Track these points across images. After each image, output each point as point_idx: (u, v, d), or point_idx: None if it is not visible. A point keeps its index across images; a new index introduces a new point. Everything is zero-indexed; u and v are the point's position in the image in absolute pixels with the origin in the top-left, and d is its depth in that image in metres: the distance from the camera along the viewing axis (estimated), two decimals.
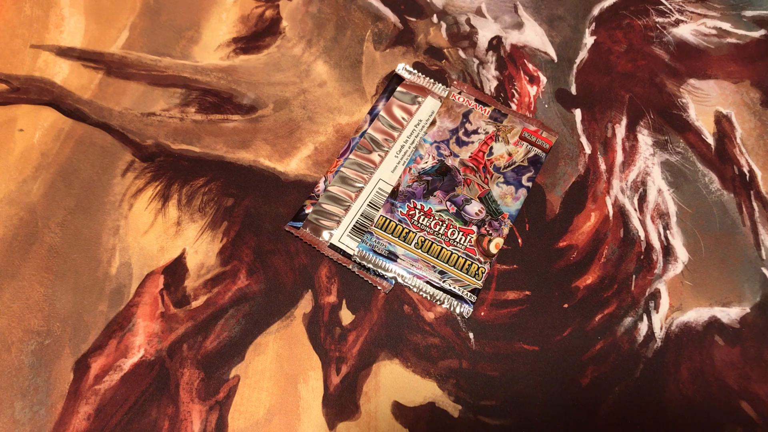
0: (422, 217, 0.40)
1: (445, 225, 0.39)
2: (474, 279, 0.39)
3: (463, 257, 0.39)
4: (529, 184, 0.41)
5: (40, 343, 0.38)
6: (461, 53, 0.46)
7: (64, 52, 0.46)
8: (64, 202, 0.41)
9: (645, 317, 0.39)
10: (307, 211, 0.41)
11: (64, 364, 0.37)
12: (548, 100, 0.44)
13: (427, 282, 0.39)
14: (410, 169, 0.41)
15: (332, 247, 0.40)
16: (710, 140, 0.43)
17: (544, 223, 0.41)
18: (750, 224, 0.41)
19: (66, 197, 0.41)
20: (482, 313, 0.39)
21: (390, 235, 0.39)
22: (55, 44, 0.46)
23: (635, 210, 0.41)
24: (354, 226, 0.40)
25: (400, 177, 0.41)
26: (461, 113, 0.42)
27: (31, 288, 0.39)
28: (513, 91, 0.45)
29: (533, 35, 0.47)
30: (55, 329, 0.38)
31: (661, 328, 0.38)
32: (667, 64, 0.45)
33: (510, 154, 0.41)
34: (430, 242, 0.39)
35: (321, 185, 0.41)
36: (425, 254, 0.39)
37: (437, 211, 0.40)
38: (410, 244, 0.39)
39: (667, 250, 0.40)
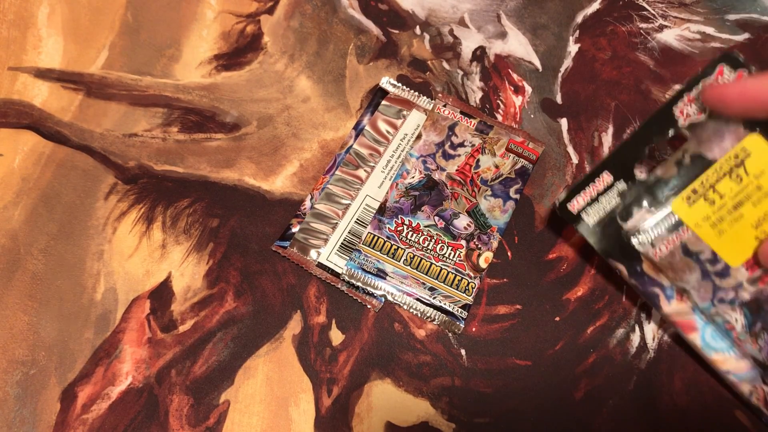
0: (410, 233, 0.39)
1: (433, 240, 0.39)
2: (464, 294, 0.38)
3: (452, 273, 0.39)
4: (517, 196, 0.41)
5: (25, 373, 0.37)
6: (445, 65, 0.46)
7: (43, 74, 0.45)
8: (46, 228, 0.40)
9: (637, 328, 0.38)
10: (293, 230, 0.40)
11: (50, 394, 0.37)
12: (534, 110, 0.44)
13: (417, 299, 0.38)
14: (397, 184, 0.40)
15: (320, 266, 0.39)
16: None
17: (534, 236, 0.41)
18: None
19: (48, 222, 0.41)
20: (474, 329, 0.38)
21: (378, 252, 0.39)
22: (33, 66, 0.45)
23: None
24: (342, 243, 0.40)
25: (387, 192, 0.40)
26: (447, 126, 0.42)
27: (15, 317, 0.38)
28: (498, 101, 0.44)
29: (517, 44, 0.46)
30: (40, 358, 0.37)
31: (653, 339, 0.38)
32: (652, 71, 0.45)
33: (497, 167, 0.41)
34: (419, 258, 0.39)
35: (307, 203, 0.41)
36: (414, 271, 0.39)
37: (425, 227, 0.39)
38: (399, 261, 0.39)
39: None
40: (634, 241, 0.33)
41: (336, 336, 0.38)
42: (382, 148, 0.42)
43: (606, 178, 0.32)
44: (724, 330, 0.34)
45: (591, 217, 0.34)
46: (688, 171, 0.31)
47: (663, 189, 0.32)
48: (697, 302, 0.34)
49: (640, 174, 0.32)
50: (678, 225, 0.32)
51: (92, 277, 0.39)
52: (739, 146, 0.29)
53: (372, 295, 0.39)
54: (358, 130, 0.43)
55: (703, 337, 0.35)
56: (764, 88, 0.26)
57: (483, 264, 0.39)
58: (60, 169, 0.42)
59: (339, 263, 0.39)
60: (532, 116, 0.44)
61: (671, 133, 0.31)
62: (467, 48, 0.46)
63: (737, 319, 0.34)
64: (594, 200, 0.33)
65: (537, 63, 0.46)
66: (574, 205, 0.34)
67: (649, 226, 0.33)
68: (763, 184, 0.29)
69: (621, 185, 0.32)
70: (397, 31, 0.47)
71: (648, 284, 0.34)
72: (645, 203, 0.32)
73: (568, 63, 0.46)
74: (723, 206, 0.31)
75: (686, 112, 0.30)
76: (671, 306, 0.35)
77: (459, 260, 0.39)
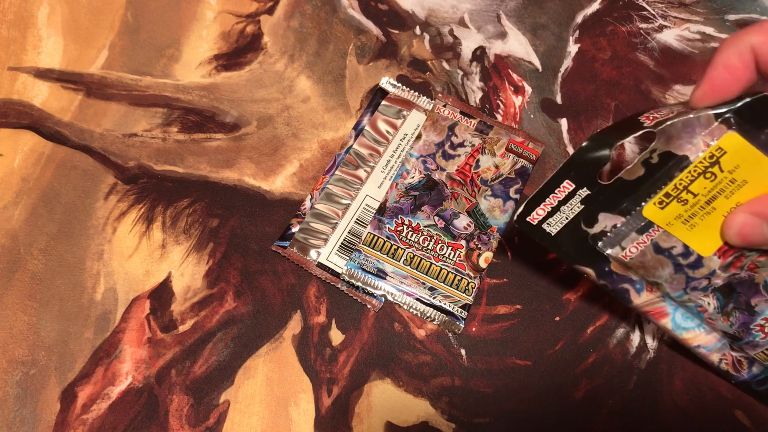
0: (410, 233, 0.39)
1: (433, 240, 0.39)
2: (464, 294, 0.38)
3: (452, 273, 0.39)
4: (517, 196, 0.41)
5: (25, 373, 0.37)
6: (445, 65, 0.46)
7: (43, 74, 0.45)
8: (46, 228, 0.40)
9: (637, 328, 0.38)
10: (293, 230, 0.40)
11: (50, 394, 0.37)
12: (534, 110, 0.44)
13: (417, 299, 0.38)
14: (397, 184, 0.40)
15: (320, 266, 0.39)
16: None
17: None
18: None
19: (48, 222, 0.41)
20: (474, 329, 0.38)
21: (378, 252, 0.39)
22: (33, 66, 0.45)
23: None
24: (342, 243, 0.40)
25: (387, 192, 0.40)
26: (447, 126, 0.42)
27: (15, 317, 0.38)
28: (498, 101, 0.44)
29: (517, 44, 0.46)
30: (40, 358, 0.37)
31: (653, 339, 0.38)
32: (652, 71, 0.45)
33: (497, 167, 0.41)
34: (419, 258, 0.39)
35: (307, 203, 0.41)
36: (414, 271, 0.39)
37: (425, 227, 0.39)
38: (399, 261, 0.39)
39: None
40: (601, 245, 0.33)
41: (336, 336, 0.38)
42: (382, 148, 0.42)
43: (567, 186, 0.31)
44: (696, 312, 0.34)
45: (553, 227, 0.32)
46: (656, 171, 0.30)
47: (630, 192, 0.31)
48: (669, 293, 0.34)
49: (604, 179, 0.31)
50: (648, 226, 0.32)
51: (92, 277, 0.39)
52: (714, 146, 0.29)
53: (372, 295, 0.39)
54: (358, 130, 0.43)
55: (674, 319, 0.35)
56: (735, 49, 0.26)
57: (483, 264, 0.39)
58: (60, 169, 0.42)
59: (339, 263, 0.39)
60: (532, 116, 0.44)
61: (636, 133, 0.29)
62: (467, 48, 0.46)
63: (710, 302, 0.34)
64: (555, 210, 0.32)
65: (537, 63, 0.46)
66: (534, 218, 0.32)
67: (617, 230, 0.32)
68: (737, 177, 0.29)
69: (584, 191, 0.31)
70: (397, 31, 0.47)
71: (617, 282, 0.34)
72: (611, 207, 0.32)
73: (568, 63, 0.46)
74: (696, 204, 0.30)
75: (653, 116, 0.29)
76: (641, 298, 0.34)
77: (459, 260, 0.39)
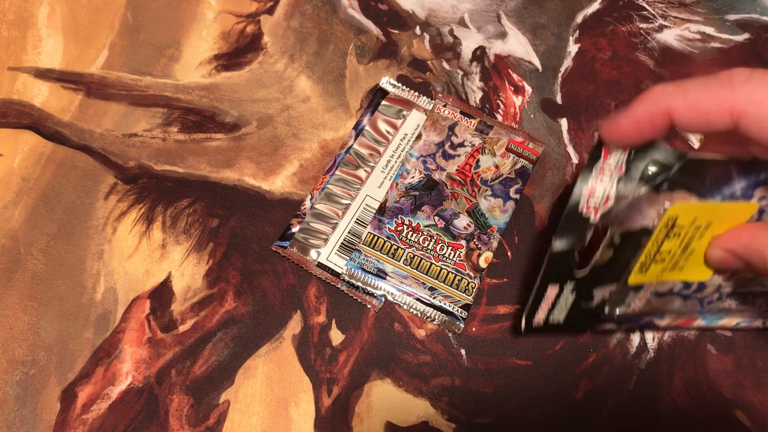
0: (410, 233, 0.39)
1: (433, 240, 0.39)
2: (464, 294, 0.38)
3: (452, 273, 0.39)
4: (517, 196, 0.41)
5: (25, 373, 0.37)
6: (445, 65, 0.46)
7: (43, 74, 0.45)
8: (46, 228, 0.40)
9: (637, 328, 0.38)
10: (293, 230, 0.40)
11: (50, 394, 0.37)
12: (534, 110, 0.44)
13: (417, 299, 0.38)
14: (397, 184, 0.40)
15: (320, 266, 0.39)
16: (697, 146, 0.43)
17: (533, 236, 0.41)
18: None
19: (48, 222, 0.41)
20: (474, 329, 0.38)
21: (378, 252, 0.39)
22: (33, 66, 0.45)
23: None
24: (342, 243, 0.40)
25: (387, 192, 0.40)
26: (447, 126, 0.42)
27: (15, 317, 0.38)
28: (498, 101, 0.44)
29: (517, 44, 0.46)
30: (40, 358, 0.37)
31: (653, 339, 0.38)
32: (652, 71, 0.45)
33: (497, 167, 0.41)
34: (419, 258, 0.39)
35: (307, 203, 0.41)
36: (414, 271, 0.39)
37: (425, 227, 0.39)
38: (399, 261, 0.39)
39: None
40: (607, 310, 0.34)
41: (336, 336, 0.38)
42: (382, 148, 0.42)
43: (552, 290, 0.33)
44: (721, 310, 0.36)
45: (558, 317, 0.34)
46: (624, 248, 0.31)
47: (610, 270, 0.32)
48: (688, 312, 0.35)
49: (582, 272, 0.32)
50: (641, 286, 0.33)
51: (92, 277, 0.39)
52: (664, 219, 0.29)
53: (372, 295, 0.39)
54: (358, 130, 0.43)
55: (704, 318, 0.36)
56: (651, 108, 0.26)
57: (483, 264, 0.39)
58: (60, 169, 0.42)
59: (339, 263, 0.39)
60: (532, 116, 0.44)
61: (590, 234, 0.30)
62: (467, 48, 0.46)
63: (730, 304, 0.35)
64: (553, 306, 0.33)
65: (537, 63, 0.46)
66: (539, 321, 0.34)
67: (615, 295, 0.33)
68: (700, 224, 0.29)
69: (569, 285, 0.33)
70: (397, 31, 0.47)
71: (638, 321, 0.35)
72: (600, 284, 0.33)
73: (568, 63, 0.46)
74: (674, 256, 0.31)
75: (592, 205, 0.29)
76: (665, 321, 0.36)
77: (459, 260, 0.39)
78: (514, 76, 0.45)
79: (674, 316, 0.36)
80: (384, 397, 0.37)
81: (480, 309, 0.39)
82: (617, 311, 0.34)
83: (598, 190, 0.29)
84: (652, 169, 0.28)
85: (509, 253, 0.40)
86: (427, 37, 0.46)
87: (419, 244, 0.39)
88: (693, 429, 0.36)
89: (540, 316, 0.34)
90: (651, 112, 0.26)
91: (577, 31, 0.47)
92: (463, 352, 0.38)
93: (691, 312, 0.35)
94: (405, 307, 0.38)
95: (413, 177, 0.41)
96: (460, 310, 0.38)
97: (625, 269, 0.32)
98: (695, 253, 0.31)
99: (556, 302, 0.33)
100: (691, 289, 0.33)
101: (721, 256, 0.30)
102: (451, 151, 0.41)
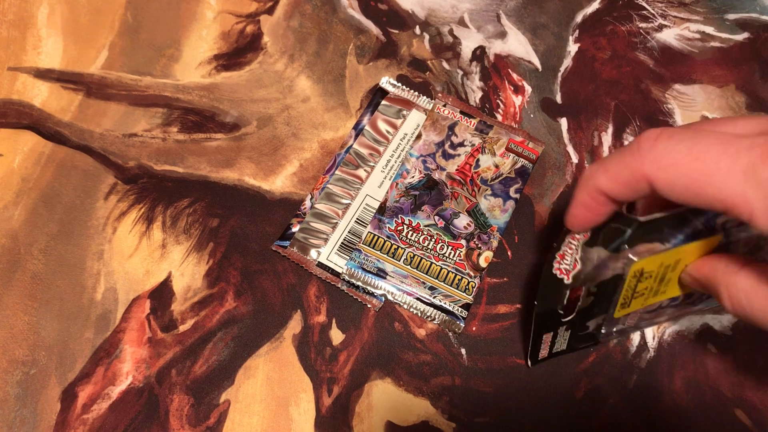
0: (410, 233, 0.39)
1: (433, 240, 0.39)
2: (464, 294, 0.38)
3: (452, 272, 0.39)
4: (517, 196, 0.41)
5: (25, 373, 0.37)
6: (445, 64, 0.46)
7: (43, 74, 0.45)
8: (46, 228, 0.40)
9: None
10: (293, 230, 0.40)
11: (50, 394, 0.37)
12: (534, 110, 0.44)
13: (418, 298, 0.38)
14: (397, 184, 0.40)
15: (320, 265, 0.39)
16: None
17: (533, 235, 0.41)
18: None
19: (48, 222, 0.41)
20: (474, 329, 0.38)
21: (378, 252, 0.39)
22: (33, 66, 0.45)
23: None
24: (342, 243, 0.40)
25: (387, 192, 0.40)
26: (447, 126, 0.42)
27: (15, 317, 0.38)
28: (498, 101, 0.44)
29: (517, 44, 0.46)
30: (40, 358, 0.37)
31: (653, 338, 0.38)
32: (652, 70, 0.45)
33: (497, 166, 0.41)
34: (419, 258, 0.39)
35: (307, 203, 0.41)
36: (415, 270, 0.39)
37: (425, 226, 0.39)
38: (399, 261, 0.39)
39: None
40: (604, 332, 0.36)
41: (336, 335, 0.38)
42: (382, 147, 0.42)
43: (548, 337, 0.35)
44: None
45: (560, 346, 0.37)
46: (602, 293, 0.33)
47: (595, 310, 0.34)
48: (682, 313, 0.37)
49: (570, 317, 0.34)
50: (628, 313, 0.35)
51: (92, 277, 0.39)
52: (630, 272, 0.30)
53: (372, 294, 0.39)
54: (358, 129, 0.43)
55: (706, 303, 0.36)
56: (588, 191, 0.28)
57: (483, 263, 0.39)
58: (60, 169, 0.42)
59: (339, 263, 0.39)
60: (531, 116, 0.44)
61: (567, 295, 0.32)
62: (467, 48, 0.46)
63: None
64: (553, 342, 0.36)
65: (537, 63, 0.46)
66: (543, 354, 0.37)
67: (607, 321, 0.35)
68: (669, 263, 0.30)
69: (562, 328, 0.35)
70: (396, 31, 0.47)
71: (635, 330, 0.38)
72: (590, 318, 0.35)
73: (567, 62, 0.46)
74: (651, 289, 0.32)
75: (563, 268, 0.31)
76: (663, 318, 0.37)
77: (459, 259, 0.39)
78: (514, 75, 0.45)
79: (669, 317, 0.37)
80: (384, 397, 0.37)
81: (480, 308, 0.39)
82: (614, 330, 0.36)
83: (567, 256, 0.31)
84: (608, 235, 0.30)
85: (509, 253, 0.40)
86: (426, 36, 0.46)
87: (419, 243, 0.39)
88: (693, 428, 0.36)
89: (544, 352, 0.36)
90: (590, 195, 0.28)
91: (577, 31, 0.47)
92: (463, 351, 0.38)
93: (685, 308, 0.36)
94: (405, 306, 0.38)
95: (413, 176, 0.41)
96: (460, 309, 0.38)
97: (610, 304, 0.33)
98: (672, 279, 0.32)
99: (554, 341, 0.36)
100: (678, 300, 0.34)
101: (690, 282, 0.31)
102: (451, 151, 0.41)
